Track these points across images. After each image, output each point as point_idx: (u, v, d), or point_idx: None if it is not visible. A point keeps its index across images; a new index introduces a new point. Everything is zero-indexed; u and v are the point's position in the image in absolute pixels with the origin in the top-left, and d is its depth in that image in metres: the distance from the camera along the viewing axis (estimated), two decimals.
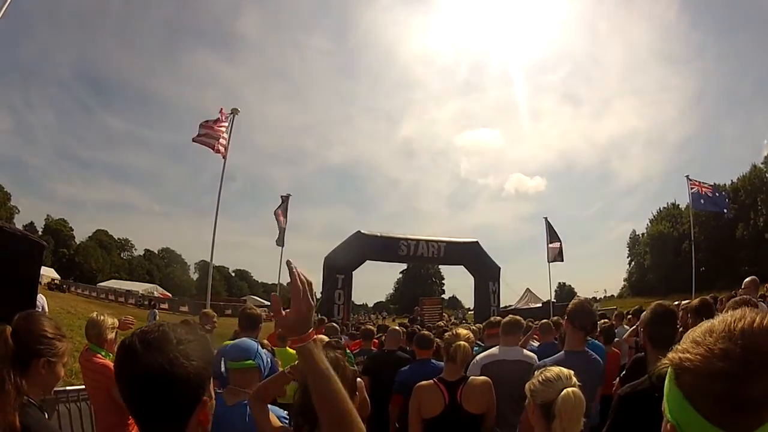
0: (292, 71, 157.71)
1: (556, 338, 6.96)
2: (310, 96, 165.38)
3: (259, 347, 3.31)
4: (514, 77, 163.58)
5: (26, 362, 2.21)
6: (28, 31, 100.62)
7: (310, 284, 1.55)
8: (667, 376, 1.06)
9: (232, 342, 5.33)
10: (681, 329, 4.22)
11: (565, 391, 2.41)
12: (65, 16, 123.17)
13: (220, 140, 15.74)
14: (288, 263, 1.56)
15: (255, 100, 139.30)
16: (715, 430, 0.95)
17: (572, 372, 2.56)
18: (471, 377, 3.98)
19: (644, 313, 3.42)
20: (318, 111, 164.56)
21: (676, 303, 7.26)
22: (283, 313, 1.53)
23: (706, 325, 1.04)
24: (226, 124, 15.99)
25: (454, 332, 4.18)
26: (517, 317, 5.39)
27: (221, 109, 16.08)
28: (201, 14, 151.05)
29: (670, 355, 1.06)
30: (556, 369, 2.59)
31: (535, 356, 5.18)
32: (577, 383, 2.50)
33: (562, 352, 4.14)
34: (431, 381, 4.01)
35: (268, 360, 3.37)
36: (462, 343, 3.96)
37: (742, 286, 6.84)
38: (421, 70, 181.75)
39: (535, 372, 2.68)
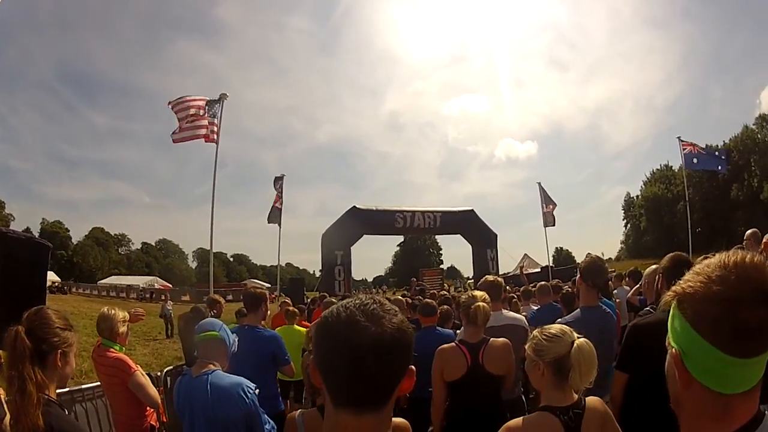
0: (275, 53, 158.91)
1: (556, 301, 6.99)
2: (294, 77, 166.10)
3: (224, 324, 3.44)
4: (498, 46, 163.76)
5: (43, 357, 2.23)
6: (6, 36, 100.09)
7: None
8: (671, 308, 1.15)
9: (237, 326, 5.38)
10: None
11: (578, 341, 2.44)
12: (43, 18, 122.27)
13: (210, 127, 15.49)
14: None
15: (240, 85, 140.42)
16: (716, 351, 1.03)
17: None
18: (491, 339, 3.96)
19: (662, 261, 3.47)
20: (303, 91, 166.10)
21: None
22: None
23: (704, 261, 1.13)
24: (210, 110, 15.67)
25: (471, 294, 4.15)
26: (496, 278, 5.30)
27: (201, 102, 15.68)
28: (179, 3, 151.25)
29: (674, 287, 1.14)
30: (555, 326, 2.61)
31: (523, 318, 5.24)
32: (579, 335, 2.52)
33: (578, 309, 4.15)
34: (452, 344, 4.01)
35: (234, 337, 3.47)
36: (481, 304, 3.94)
37: (744, 238, 6.84)
38: (404, 44, 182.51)
39: (533, 332, 2.67)
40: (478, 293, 4.14)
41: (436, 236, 76.31)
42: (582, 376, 2.37)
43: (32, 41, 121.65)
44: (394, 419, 2.34)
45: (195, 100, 15.55)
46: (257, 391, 3.21)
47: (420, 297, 9.39)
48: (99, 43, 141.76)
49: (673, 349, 1.12)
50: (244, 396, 3.10)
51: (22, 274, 5.09)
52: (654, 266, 4.38)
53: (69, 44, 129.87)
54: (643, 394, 2.92)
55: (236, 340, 3.49)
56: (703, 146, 23.98)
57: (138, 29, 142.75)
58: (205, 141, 15.46)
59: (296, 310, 8.45)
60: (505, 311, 5.14)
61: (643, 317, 3.45)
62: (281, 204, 24.98)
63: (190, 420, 3.21)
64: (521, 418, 2.47)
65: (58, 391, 2.77)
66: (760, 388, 1.08)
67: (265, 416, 3.21)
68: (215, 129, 15.73)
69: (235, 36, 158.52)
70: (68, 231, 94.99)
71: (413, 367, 1.24)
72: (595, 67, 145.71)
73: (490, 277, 5.25)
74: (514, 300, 8.50)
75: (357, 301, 1.24)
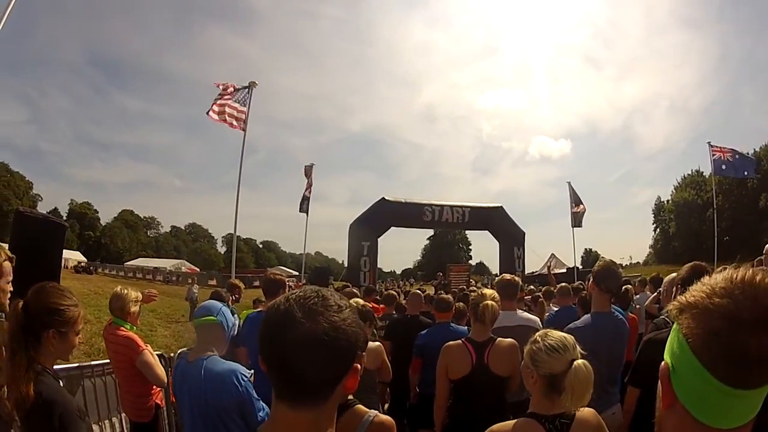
0: (307, 41, 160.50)
1: (575, 303, 6.88)
2: (326, 64, 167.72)
3: (223, 307, 3.38)
4: (534, 40, 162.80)
5: (37, 333, 2.27)
6: (36, 21, 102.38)
7: None
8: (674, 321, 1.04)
9: (255, 311, 5.38)
10: None
11: (576, 363, 2.31)
12: (72, 2, 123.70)
13: (237, 113, 15.59)
14: None
15: (272, 72, 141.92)
16: (704, 372, 0.92)
17: (574, 339, 2.46)
18: (498, 339, 3.92)
19: (680, 271, 3.41)
20: (335, 79, 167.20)
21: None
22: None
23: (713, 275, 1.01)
24: (236, 96, 15.78)
25: (480, 292, 4.10)
26: (512, 276, 5.21)
27: (229, 84, 15.84)
28: None
29: (678, 297, 1.02)
30: (558, 335, 2.47)
31: (537, 319, 5.13)
32: (582, 352, 2.40)
33: (589, 314, 4.07)
34: (459, 341, 3.97)
35: (233, 319, 3.47)
36: (489, 302, 3.90)
37: (764, 252, 6.66)
38: (440, 35, 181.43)
39: (536, 335, 2.57)
40: (488, 291, 4.10)
41: (466, 231, 75.86)
42: (574, 400, 2.26)
43: (63, 24, 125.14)
44: (379, 416, 2.31)
45: (228, 86, 15.72)
46: (252, 378, 3.19)
47: (443, 292, 9.36)
48: (129, 27, 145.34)
49: (664, 364, 1.02)
50: (237, 383, 3.07)
51: (38, 252, 5.17)
52: (673, 275, 4.30)
53: (99, 28, 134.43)
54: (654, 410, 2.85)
55: (236, 322, 3.49)
56: (730, 150, 23.52)
57: (169, 14, 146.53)
58: (230, 127, 15.59)
59: None
60: (519, 311, 5.06)
61: (658, 332, 3.37)
62: (310, 192, 25.11)
63: (185, 405, 3.23)
64: (507, 422, 2.40)
65: (68, 365, 2.81)
66: (749, 429, 0.96)
67: (261, 403, 3.16)
68: (243, 117, 15.80)
69: (267, 23, 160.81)
70: (97, 212, 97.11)
71: (358, 365, 1.24)
72: (630, 66, 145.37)
73: (507, 276, 5.18)
74: (541, 300, 8.41)
75: (301, 293, 1.25)
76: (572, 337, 2.47)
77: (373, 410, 2.36)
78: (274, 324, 1.20)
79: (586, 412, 2.38)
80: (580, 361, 2.32)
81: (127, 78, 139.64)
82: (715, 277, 0.98)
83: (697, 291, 0.98)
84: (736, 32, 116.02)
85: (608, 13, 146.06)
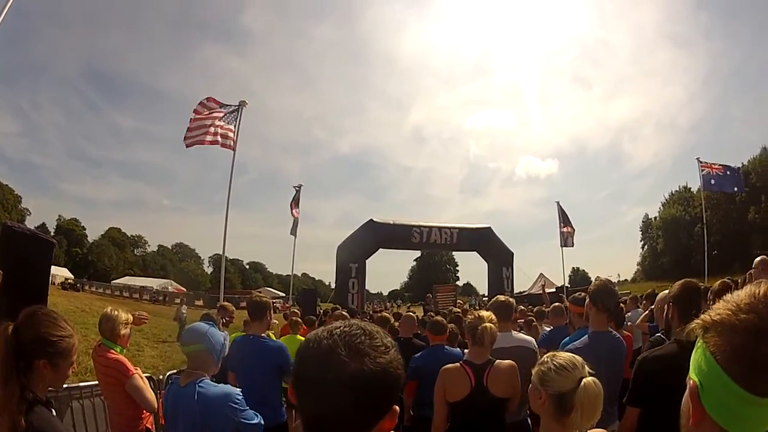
0: (300, 62, 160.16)
1: (567, 322, 6.86)
2: (319, 86, 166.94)
3: (210, 329, 3.31)
4: (523, 61, 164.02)
5: (29, 361, 2.20)
6: (32, 32, 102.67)
7: None
8: (698, 339, 1.07)
9: (243, 335, 5.31)
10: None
11: (585, 380, 2.26)
12: (70, 15, 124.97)
13: (222, 131, 15.41)
14: None
15: (265, 92, 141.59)
16: (733, 386, 0.95)
17: (582, 359, 2.42)
18: (497, 361, 3.87)
19: (672, 288, 3.40)
20: (328, 101, 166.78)
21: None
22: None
23: (735, 292, 1.05)
24: (227, 117, 15.63)
25: (477, 315, 4.06)
26: (507, 298, 5.20)
27: (208, 98, 15.66)
28: (206, 8, 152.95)
29: (702, 316, 1.06)
30: (567, 355, 2.43)
31: (533, 340, 5.11)
32: (590, 371, 2.35)
33: (586, 334, 4.05)
34: (457, 364, 3.92)
35: (222, 339, 3.38)
36: (488, 324, 3.85)
37: (753, 266, 6.68)
38: (430, 57, 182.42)
39: (544, 357, 2.52)
40: (484, 313, 4.06)
41: (453, 252, 76.07)
42: (584, 418, 2.22)
43: (57, 37, 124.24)
44: None
45: (216, 104, 15.62)
46: (240, 396, 3.19)
47: (432, 313, 9.28)
48: (124, 43, 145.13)
49: (692, 381, 1.05)
50: (233, 406, 3.09)
51: (26, 268, 5.09)
52: (665, 292, 4.28)
53: (94, 42, 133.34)
54: (655, 428, 2.80)
55: (226, 342, 3.43)
56: (719, 166, 23.78)
57: (164, 32, 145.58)
58: (221, 147, 15.47)
59: (299, 319, 8.49)
60: (514, 332, 5.04)
61: (653, 350, 3.34)
62: (298, 213, 25.15)
63: (178, 429, 3.18)
64: None
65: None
66: None
67: (250, 412, 3.19)
68: (232, 135, 15.70)
69: (261, 43, 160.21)
70: (84, 229, 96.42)
71: (397, 408, 1.15)
72: (618, 85, 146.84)
73: (502, 297, 5.16)
74: (534, 324, 8.37)
75: (345, 329, 1.14)
76: (580, 357, 2.43)
77: None
78: (315, 361, 1.11)
79: None
80: (590, 378, 2.29)
81: (119, 93, 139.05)
82: (738, 294, 1.02)
83: (722, 309, 1.01)
84: (724, 49, 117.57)
85: (597, 33, 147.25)
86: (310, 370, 1.11)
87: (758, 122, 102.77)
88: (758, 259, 6.61)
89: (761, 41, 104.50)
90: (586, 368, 2.36)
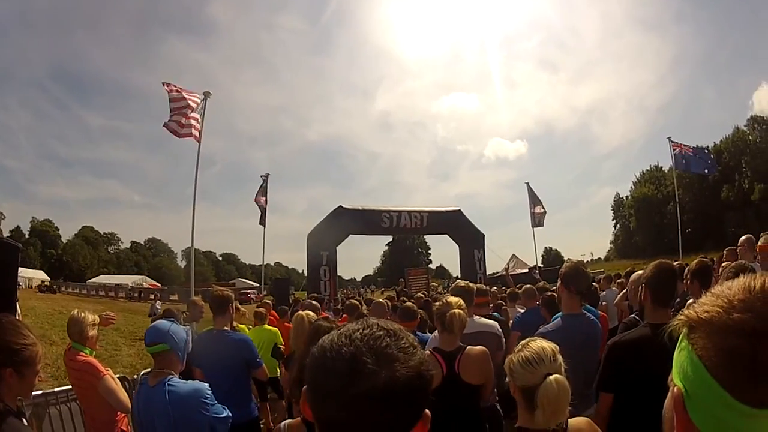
0: (266, 53, 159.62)
1: (538, 302, 6.87)
2: (285, 76, 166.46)
3: (172, 326, 3.29)
4: (489, 46, 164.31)
5: None
6: None
7: None
8: (680, 336, 0.89)
9: (206, 330, 5.24)
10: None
11: (547, 380, 2.20)
12: (35, 17, 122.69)
13: (185, 121, 15.27)
14: None
15: (231, 84, 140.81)
16: (725, 396, 0.78)
17: (556, 348, 2.35)
18: (468, 347, 3.81)
19: (646, 270, 3.37)
20: (294, 91, 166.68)
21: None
22: None
23: (725, 283, 0.87)
24: (195, 110, 15.52)
25: (446, 301, 3.98)
26: (467, 283, 5.14)
27: (180, 88, 15.45)
28: (170, 2, 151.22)
29: (686, 311, 0.88)
30: (537, 346, 2.35)
31: (495, 324, 5.06)
32: (563, 364, 2.30)
33: (559, 316, 4.06)
34: (427, 352, 3.88)
35: (184, 334, 3.35)
36: (456, 310, 3.80)
37: (738, 244, 6.67)
38: (395, 43, 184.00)
39: (518, 344, 2.47)
40: (453, 299, 3.98)
41: (425, 236, 76.32)
42: (546, 416, 2.17)
43: (25, 40, 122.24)
44: None
45: (191, 94, 15.51)
46: (209, 391, 3.21)
47: (404, 299, 9.24)
48: (91, 42, 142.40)
49: (676, 388, 0.86)
50: (204, 403, 3.13)
51: None
52: (639, 272, 4.28)
53: (61, 43, 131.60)
54: (630, 414, 2.81)
55: (189, 336, 3.40)
56: (693, 146, 24.05)
57: (129, 28, 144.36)
58: (186, 138, 15.39)
59: (263, 310, 8.62)
60: (476, 317, 4.96)
61: (623, 334, 3.33)
62: (266, 203, 25.06)
63: (151, 429, 3.16)
64: None
65: (33, 392, 2.72)
66: None
67: (219, 406, 3.21)
68: (197, 125, 15.61)
69: (225, 35, 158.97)
70: (58, 230, 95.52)
71: (428, 412, 1.00)
72: (586, 68, 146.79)
73: (462, 283, 5.09)
74: (504, 307, 8.39)
75: (366, 331, 0.99)
76: (553, 347, 2.36)
77: None
78: (336, 373, 0.94)
79: (580, 422, 2.33)
80: (552, 376, 2.21)
81: (87, 93, 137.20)
82: (729, 286, 0.85)
83: (710, 305, 0.84)
84: (695, 32, 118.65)
85: (564, 17, 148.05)
86: (331, 383, 0.94)
87: (729, 104, 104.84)
88: (743, 237, 6.57)
89: (733, 24, 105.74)
90: (558, 359, 2.31)
